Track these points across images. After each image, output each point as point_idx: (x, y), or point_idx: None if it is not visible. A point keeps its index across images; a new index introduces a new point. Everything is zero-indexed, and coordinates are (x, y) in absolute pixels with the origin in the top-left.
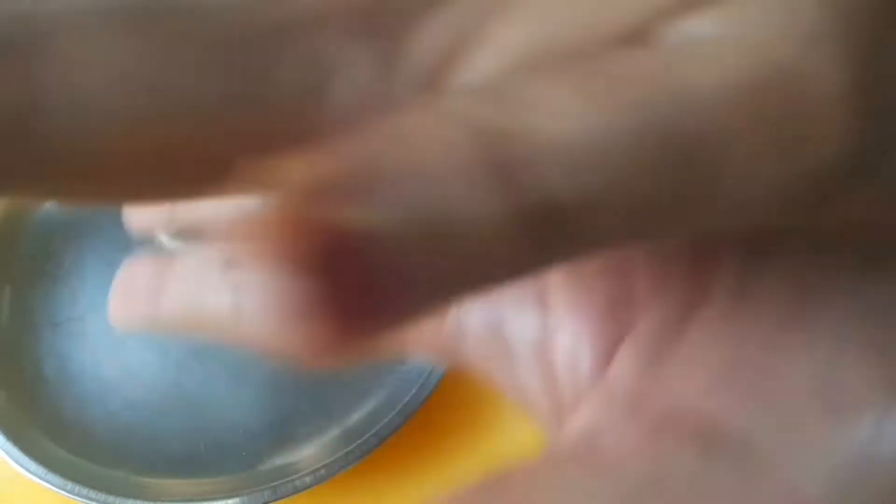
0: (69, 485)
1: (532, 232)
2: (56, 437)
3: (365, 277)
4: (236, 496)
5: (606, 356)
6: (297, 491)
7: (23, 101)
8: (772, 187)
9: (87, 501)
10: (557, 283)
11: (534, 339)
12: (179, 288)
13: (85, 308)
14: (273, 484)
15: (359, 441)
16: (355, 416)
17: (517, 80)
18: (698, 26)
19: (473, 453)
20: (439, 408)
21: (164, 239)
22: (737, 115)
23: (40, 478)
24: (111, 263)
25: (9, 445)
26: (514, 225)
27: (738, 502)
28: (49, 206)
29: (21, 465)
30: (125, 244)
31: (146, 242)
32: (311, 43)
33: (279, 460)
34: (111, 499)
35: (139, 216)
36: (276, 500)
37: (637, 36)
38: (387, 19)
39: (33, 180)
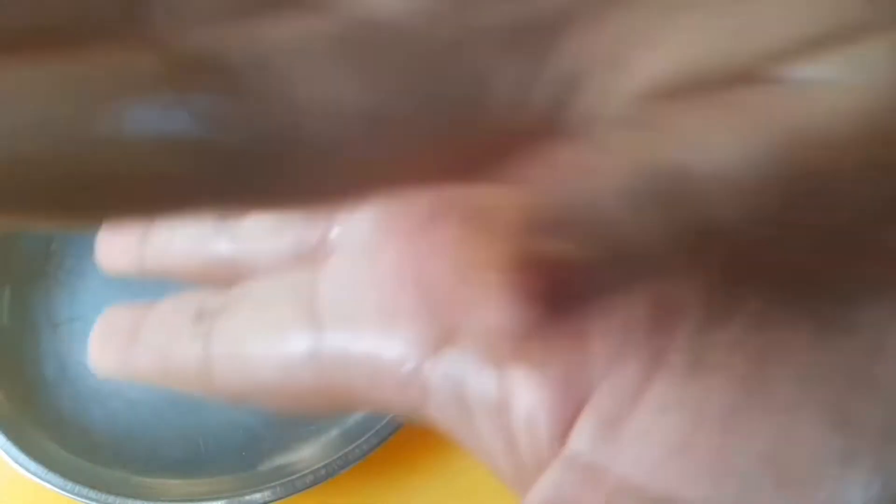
0: (69, 484)
1: (692, 250)
2: (56, 437)
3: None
4: (236, 496)
5: (564, 424)
6: (296, 491)
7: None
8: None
9: (87, 501)
10: (513, 347)
11: (492, 402)
12: (152, 338)
13: (85, 308)
14: (273, 484)
15: (359, 441)
16: (355, 416)
17: (664, 112)
18: (820, 70)
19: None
20: None
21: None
22: (846, 155)
23: (40, 477)
24: None
25: (9, 445)
26: (681, 246)
27: None
28: None
29: (21, 465)
30: None
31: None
32: (473, 58)
33: (279, 460)
34: (111, 498)
35: (110, 259)
36: (275, 499)
37: (760, 74)
38: (533, 34)
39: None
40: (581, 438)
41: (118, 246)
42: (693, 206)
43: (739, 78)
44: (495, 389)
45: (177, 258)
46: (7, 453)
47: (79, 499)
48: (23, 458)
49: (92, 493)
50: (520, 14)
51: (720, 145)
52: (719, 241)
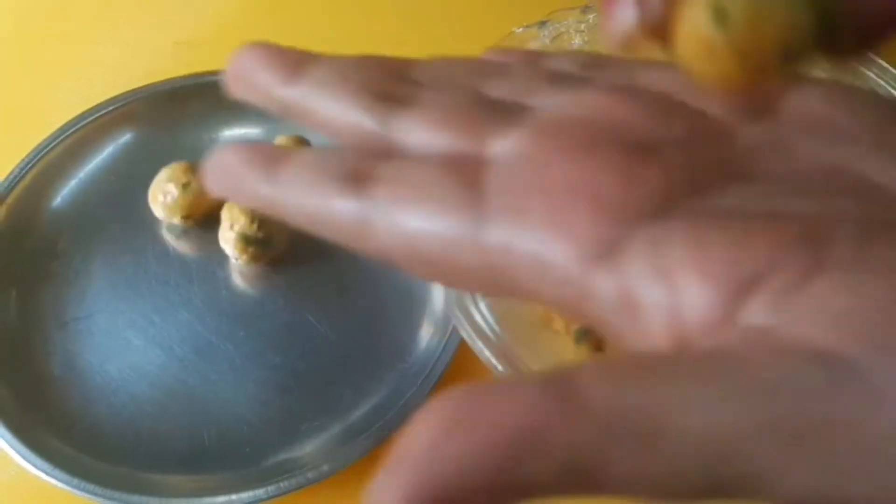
0: (75, 481)
1: None
2: (62, 434)
3: None
4: (240, 492)
5: (734, 309)
6: (299, 487)
7: None
8: None
9: (93, 497)
10: (680, 252)
11: (664, 305)
12: (298, 181)
13: (91, 307)
14: (276, 480)
15: (361, 437)
16: (358, 413)
17: None
18: None
19: None
20: None
21: (162, 218)
22: None
23: (46, 474)
24: (117, 263)
25: (16, 442)
26: None
27: (854, 426)
28: (56, 207)
29: (28, 462)
30: (131, 245)
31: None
32: None
33: (282, 456)
34: (116, 494)
35: (242, 89)
36: (279, 495)
37: None
38: None
39: None
40: (749, 314)
41: (256, 80)
42: None
43: None
44: (666, 294)
45: (327, 113)
46: (14, 450)
47: (85, 495)
48: (29, 454)
49: (98, 490)
50: None
51: None
52: None
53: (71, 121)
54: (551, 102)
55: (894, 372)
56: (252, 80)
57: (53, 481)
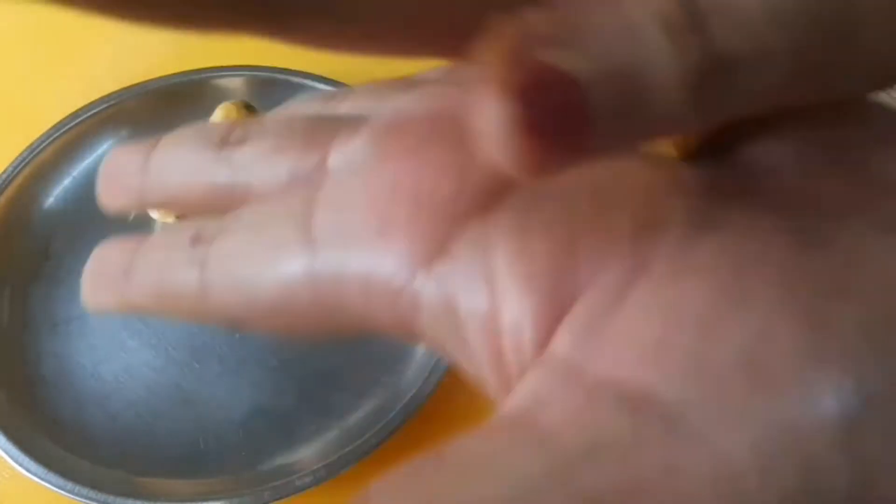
0: (69, 484)
1: (705, 83)
2: (55, 436)
3: (561, 109)
4: (236, 496)
5: (547, 330)
6: (296, 491)
7: None
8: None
9: (87, 501)
10: (503, 254)
11: (482, 312)
12: (147, 266)
13: (84, 308)
14: (273, 484)
15: (358, 441)
16: (355, 416)
17: None
18: None
19: None
20: (439, 408)
21: (156, 218)
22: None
23: (40, 477)
24: None
25: (8, 445)
26: (691, 75)
27: (668, 470)
28: (48, 207)
29: (21, 465)
30: None
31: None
32: None
33: (279, 460)
34: (111, 499)
35: (111, 196)
36: (275, 500)
37: None
38: None
39: None
40: (561, 342)
41: (119, 182)
42: (712, 36)
43: None
44: (485, 301)
45: (176, 188)
46: (7, 453)
47: (79, 499)
48: (23, 458)
49: (92, 493)
50: None
51: None
52: (730, 91)
53: (65, 119)
54: (392, 105)
55: (707, 406)
56: (118, 188)
57: (47, 485)
